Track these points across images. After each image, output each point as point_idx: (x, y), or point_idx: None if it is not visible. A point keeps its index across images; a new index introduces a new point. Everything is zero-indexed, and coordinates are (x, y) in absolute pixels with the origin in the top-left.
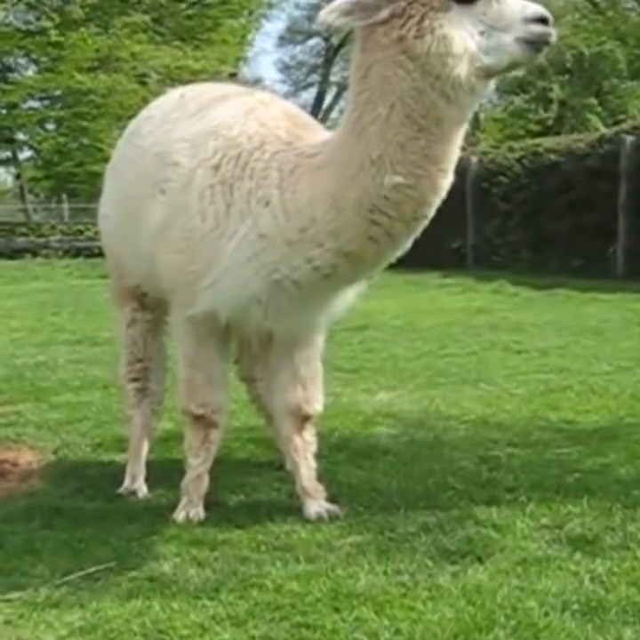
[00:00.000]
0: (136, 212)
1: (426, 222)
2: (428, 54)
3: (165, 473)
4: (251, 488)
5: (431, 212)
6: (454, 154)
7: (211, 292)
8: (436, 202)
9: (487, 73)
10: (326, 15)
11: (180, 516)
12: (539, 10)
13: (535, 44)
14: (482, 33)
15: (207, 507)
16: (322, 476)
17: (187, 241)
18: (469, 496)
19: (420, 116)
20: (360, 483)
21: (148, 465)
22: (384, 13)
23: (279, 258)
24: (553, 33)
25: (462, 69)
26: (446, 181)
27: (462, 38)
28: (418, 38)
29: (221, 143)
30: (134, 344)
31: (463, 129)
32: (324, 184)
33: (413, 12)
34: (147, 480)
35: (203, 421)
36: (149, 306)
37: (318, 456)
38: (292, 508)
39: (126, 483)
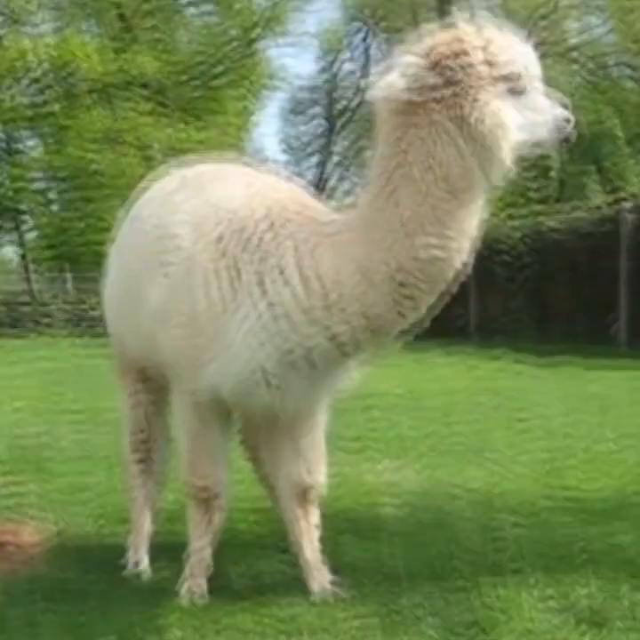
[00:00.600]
0: (137, 291)
1: (444, 287)
2: (479, 123)
3: (171, 547)
4: (256, 570)
5: (453, 276)
6: (478, 218)
7: (214, 366)
8: (460, 264)
9: (519, 146)
10: (382, 90)
11: (184, 598)
12: (567, 113)
13: (560, 133)
14: (521, 112)
15: (212, 588)
16: (325, 551)
17: (188, 315)
18: (474, 569)
19: (456, 180)
20: (364, 557)
21: (152, 539)
22: (438, 85)
23: (292, 329)
24: (573, 134)
25: (506, 140)
26: (470, 244)
27: (509, 113)
28: (469, 108)
29: (223, 216)
30: (138, 421)
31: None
32: (348, 248)
33: (466, 85)
34: (150, 556)
35: (206, 499)
36: (152, 382)
37: (322, 528)
38: (297, 591)
39: (130, 561)
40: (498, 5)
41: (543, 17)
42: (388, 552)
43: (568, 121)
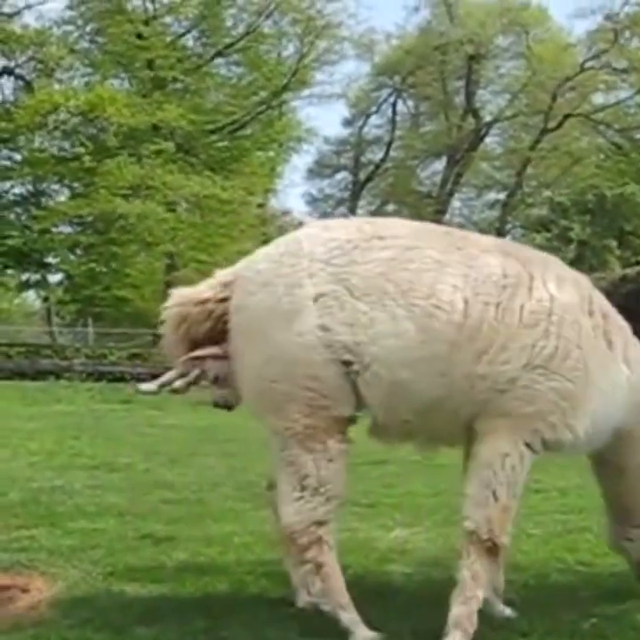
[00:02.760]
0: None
1: None
2: None
3: (175, 607)
4: (261, 623)
5: None
6: None
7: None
8: None
9: None
10: None
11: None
12: None
13: None
14: None
15: None
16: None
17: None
18: (483, 639)
19: None
20: (372, 622)
21: (159, 598)
22: None
23: None
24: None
25: None
26: None
27: None
28: None
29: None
30: (336, 480)
31: None
32: None
33: None
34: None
35: (497, 551)
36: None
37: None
38: None
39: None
40: (527, 76)
41: (571, 88)
42: (395, 620)
43: None
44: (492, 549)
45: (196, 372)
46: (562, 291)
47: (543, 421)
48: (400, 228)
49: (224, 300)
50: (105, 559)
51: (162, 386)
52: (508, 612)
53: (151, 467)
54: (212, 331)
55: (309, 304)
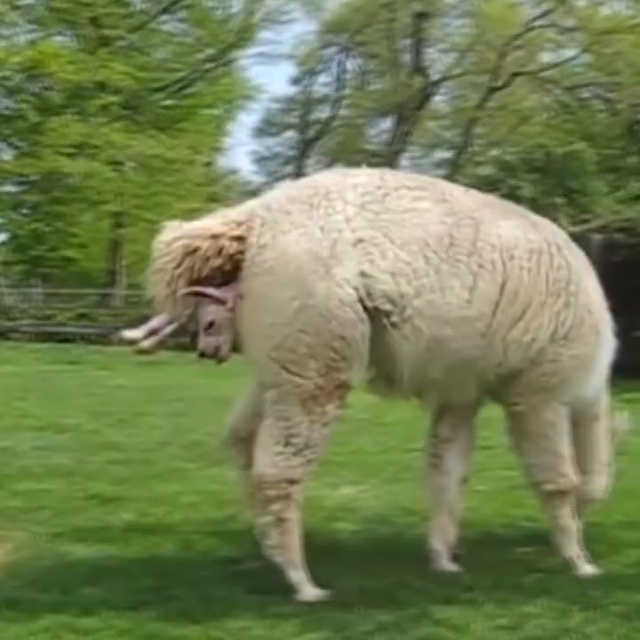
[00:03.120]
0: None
1: None
2: None
3: (122, 567)
4: (208, 582)
5: None
6: None
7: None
8: None
9: None
10: None
11: (586, 569)
12: None
13: None
14: None
15: (162, 601)
16: (281, 572)
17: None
18: (428, 594)
19: None
20: (319, 579)
21: (106, 558)
22: None
23: None
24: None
25: None
26: None
27: None
28: None
29: None
30: (322, 444)
31: None
32: None
33: None
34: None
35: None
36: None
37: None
38: (249, 605)
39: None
40: (474, 34)
41: (519, 47)
42: (343, 577)
43: None
44: (570, 494)
45: (185, 316)
46: (573, 257)
47: (569, 385)
48: (422, 180)
49: (238, 238)
50: (52, 520)
51: (150, 333)
52: (451, 567)
53: (99, 427)
54: (218, 270)
55: (349, 249)
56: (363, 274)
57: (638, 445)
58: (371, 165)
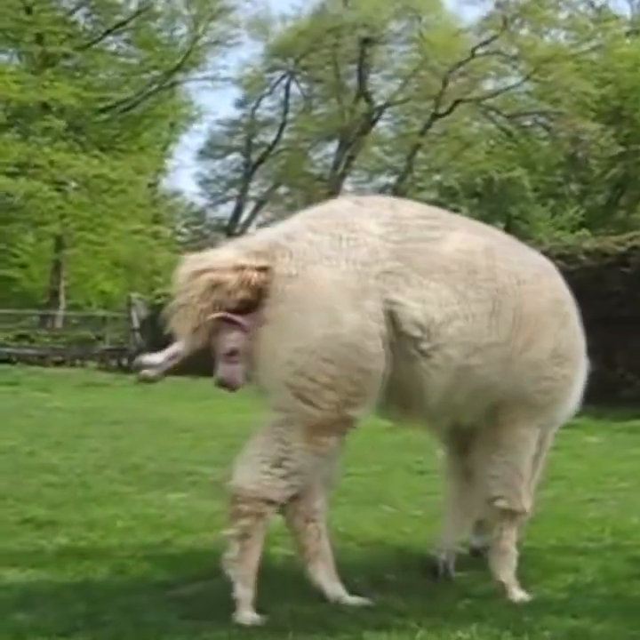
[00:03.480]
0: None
1: None
2: None
3: (55, 592)
4: (142, 607)
5: None
6: None
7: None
8: None
9: None
10: None
11: (518, 595)
12: None
13: None
14: None
15: (94, 627)
16: (215, 597)
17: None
18: (360, 620)
19: None
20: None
21: (39, 583)
22: None
23: None
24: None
25: None
26: None
27: None
28: None
29: None
30: (311, 473)
31: None
32: None
33: None
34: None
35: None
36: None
37: (212, 575)
38: (182, 630)
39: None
40: (418, 61)
41: (462, 74)
42: (276, 602)
43: None
44: (520, 517)
45: (199, 344)
46: (561, 279)
47: (555, 406)
48: (429, 210)
49: (262, 268)
50: None
51: (169, 359)
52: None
53: (35, 449)
54: (243, 302)
55: (376, 282)
56: (391, 302)
57: (575, 471)
58: (313, 190)
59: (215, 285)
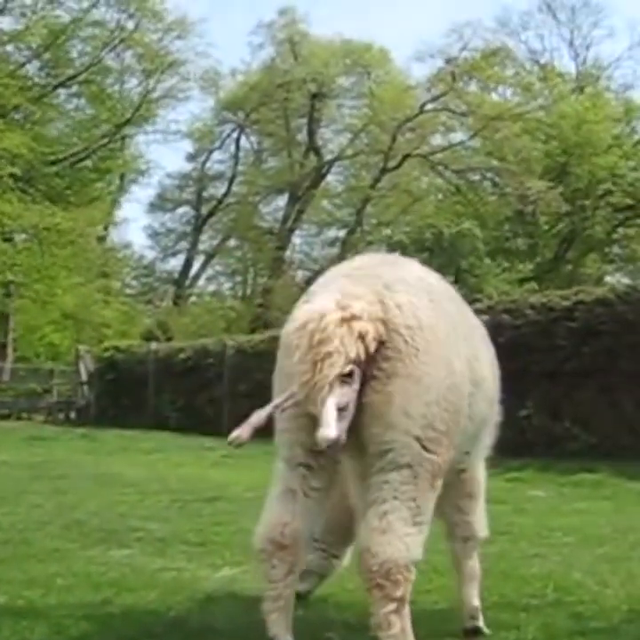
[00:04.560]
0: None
1: None
2: None
3: None
4: None
5: None
6: None
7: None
8: None
9: None
10: None
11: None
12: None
13: None
14: None
15: None
16: None
17: None
18: None
19: None
20: None
21: None
22: None
23: None
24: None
25: None
26: None
27: None
28: None
29: None
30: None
31: None
32: None
33: None
34: None
35: None
36: None
37: (151, 636)
38: None
39: None
40: (368, 116)
41: (411, 129)
42: None
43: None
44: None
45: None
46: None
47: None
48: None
49: (380, 320)
50: None
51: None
52: None
53: None
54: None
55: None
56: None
57: (519, 525)
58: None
59: (361, 335)
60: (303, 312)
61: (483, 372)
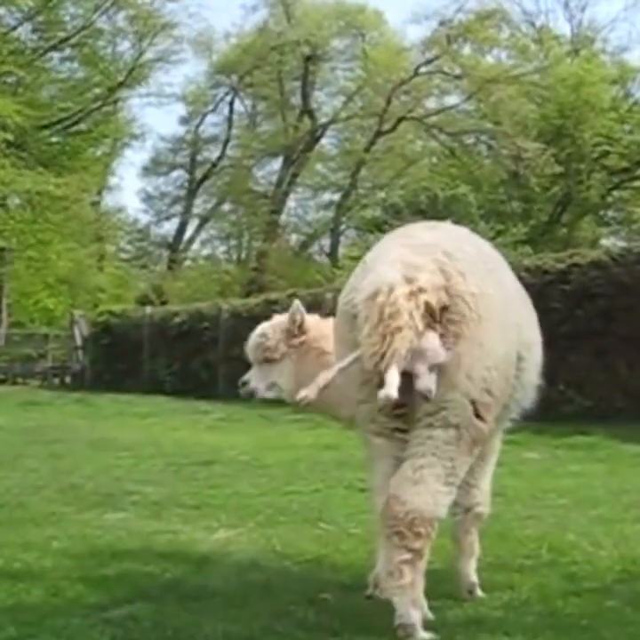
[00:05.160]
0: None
1: None
2: None
3: None
4: (74, 630)
5: None
6: None
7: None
8: None
9: None
10: None
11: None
12: None
13: None
14: None
15: None
16: (148, 619)
17: None
18: (293, 639)
19: None
20: (185, 626)
21: None
22: None
23: None
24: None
25: None
26: None
27: None
28: None
29: None
30: None
31: None
32: None
33: None
34: None
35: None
36: None
37: (146, 597)
38: None
39: None
40: (362, 79)
41: (406, 92)
42: (209, 623)
43: None
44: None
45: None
46: None
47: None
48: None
49: (444, 288)
50: None
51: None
52: None
53: None
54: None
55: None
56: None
57: (514, 487)
58: (257, 207)
59: (429, 308)
60: (369, 283)
61: (532, 335)
